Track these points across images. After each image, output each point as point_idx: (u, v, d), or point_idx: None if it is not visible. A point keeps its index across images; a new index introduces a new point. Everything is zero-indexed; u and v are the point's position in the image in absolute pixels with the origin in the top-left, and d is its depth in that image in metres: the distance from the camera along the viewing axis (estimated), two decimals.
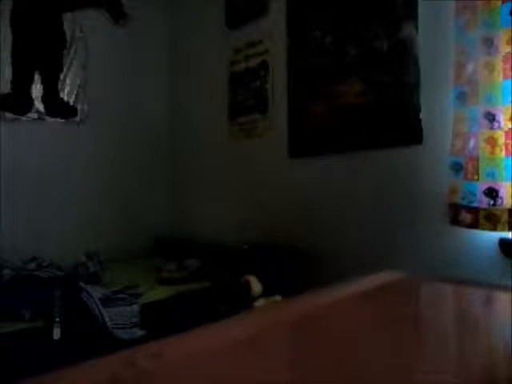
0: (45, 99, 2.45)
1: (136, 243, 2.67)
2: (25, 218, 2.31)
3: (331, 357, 0.38)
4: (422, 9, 1.73)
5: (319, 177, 2.10)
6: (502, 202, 1.47)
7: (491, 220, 1.49)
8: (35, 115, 2.43)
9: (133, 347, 0.38)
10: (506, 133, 1.47)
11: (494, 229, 1.49)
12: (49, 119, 2.48)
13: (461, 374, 0.36)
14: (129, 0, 2.70)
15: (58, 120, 2.51)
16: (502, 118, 1.48)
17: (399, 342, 0.41)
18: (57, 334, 1.53)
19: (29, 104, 2.40)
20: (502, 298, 0.55)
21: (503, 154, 1.48)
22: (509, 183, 1.47)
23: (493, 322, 0.50)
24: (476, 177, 1.50)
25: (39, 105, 2.44)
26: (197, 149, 2.82)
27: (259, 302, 1.75)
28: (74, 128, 2.56)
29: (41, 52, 2.45)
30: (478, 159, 1.50)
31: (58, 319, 1.55)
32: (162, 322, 1.72)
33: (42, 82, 2.45)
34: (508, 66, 1.46)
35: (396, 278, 0.62)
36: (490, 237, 1.53)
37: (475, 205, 1.51)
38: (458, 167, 1.57)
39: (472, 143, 1.52)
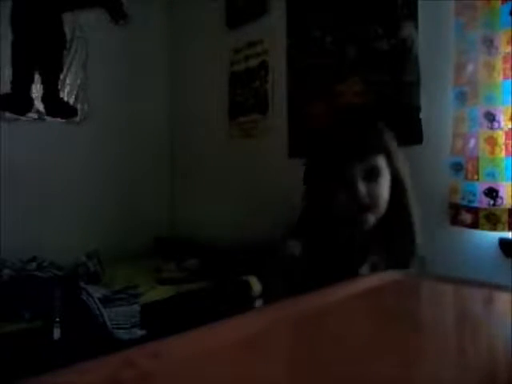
0: (45, 99, 2.45)
1: (136, 243, 2.67)
2: (25, 218, 2.31)
3: (331, 357, 0.38)
4: (422, 9, 1.73)
5: None
6: (502, 201, 1.47)
7: (491, 220, 1.49)
8: (35, 115, 2.43)
9: (133, 347, 0.38)
10: (506, 133, 1.47)
11: (494, 229, 1.49)
12: (49, 119, 2.48)
13: (461, 374, 0.36)
14: (129, 0, 2.70)
15: (58, 120, 2.51)
16: (502, 118, 1.48)
17: (399, 342, 0.41)
18: (57, 334, 1.53)
19: (29, 104, 2.40)
20: (502, 298, 0.55)
21: (503, 154, 1.48)
22: (509, 183, 1.47)
23: (493, 322, 0.50)
24: (476, 177, 1.50)
25: (39, 105, 2.44)
26: (197, 149, 2.82)
27: (259, 302, 1.75)
28: (73, 128, 2.56)
29: (41, 52, 2.45)
30: (478, 159, 1.50)
31: (57, 319, 1.55)
32: (162, 321, 1.72)
33: (42, 82, 2.45)
34: (508, 66, 1.46)
35: (396, 278, 0.62)
36: (490, 237, 1.53)
37: (475, 205, 1.51)
38: (458, 167, 1.57)
39: (472, 143, 1.52)
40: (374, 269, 0.99)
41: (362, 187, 0.95)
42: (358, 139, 0.99)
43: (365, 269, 1.01)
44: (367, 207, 0.96)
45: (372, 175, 0.97)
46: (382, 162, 0.99)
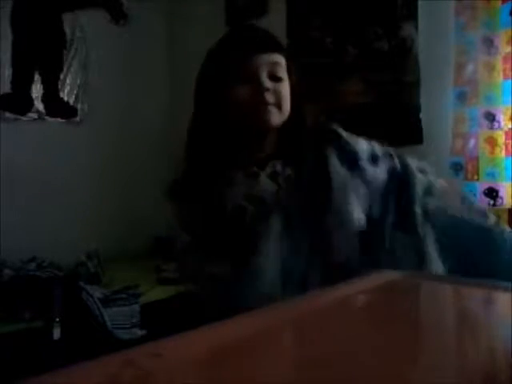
0: (45, 99, 2.45)
1: (136, 243, 2.67)
2: (25, 218, 2.31)
3: (330, 357, 0.38)
4: (422, 9, 1.73)
5: None
6: (502, 202, 1.47)
7: None
8: (35, 115, 2.43)
9: (133, 347, 0.38)
10: (506, 133, 1.48)
11: None
12: (49, 119, 2.48)
13: (460, 374, 0.36)
14: (129, 0, 2.70)
15: (58, 120, 2.51)
16: (502, 118, 1.48)
17: (398, 342, 0.41)
18: (57, 334, 1.53)
19: (29, 104, 2.40)
20: (502, 297, 0.55)
21: (503, 154, 1.48)
22: (509, 183, 1.47)
23: (493, 322, 0.51)
24: (476, 177, 1.51)
25: (39, 105, 2.44)
26: None
27: None
28: (73, 128, 2.56)
29: (41, 52, 2.45)
30: (478, 159, 1.50)
31: (57, 319, 1.55)
32: (162, 321, 1.72)
33: (42, 82, 2.44)
34: (508, 66, 1.46)
35: (396, 278, 0.62)
36: None
37: None
38: (458, 167, 1.57)
39: (472, 143, 1.52)
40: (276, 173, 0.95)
41: (267, 82, 0.93)
42: (257, 36, 1.01)
43: (268, 168, 0.95)
44: (271, 103, 0.92)
45: (275, 75, 0.95)
46: (282, 61, 0.98)
